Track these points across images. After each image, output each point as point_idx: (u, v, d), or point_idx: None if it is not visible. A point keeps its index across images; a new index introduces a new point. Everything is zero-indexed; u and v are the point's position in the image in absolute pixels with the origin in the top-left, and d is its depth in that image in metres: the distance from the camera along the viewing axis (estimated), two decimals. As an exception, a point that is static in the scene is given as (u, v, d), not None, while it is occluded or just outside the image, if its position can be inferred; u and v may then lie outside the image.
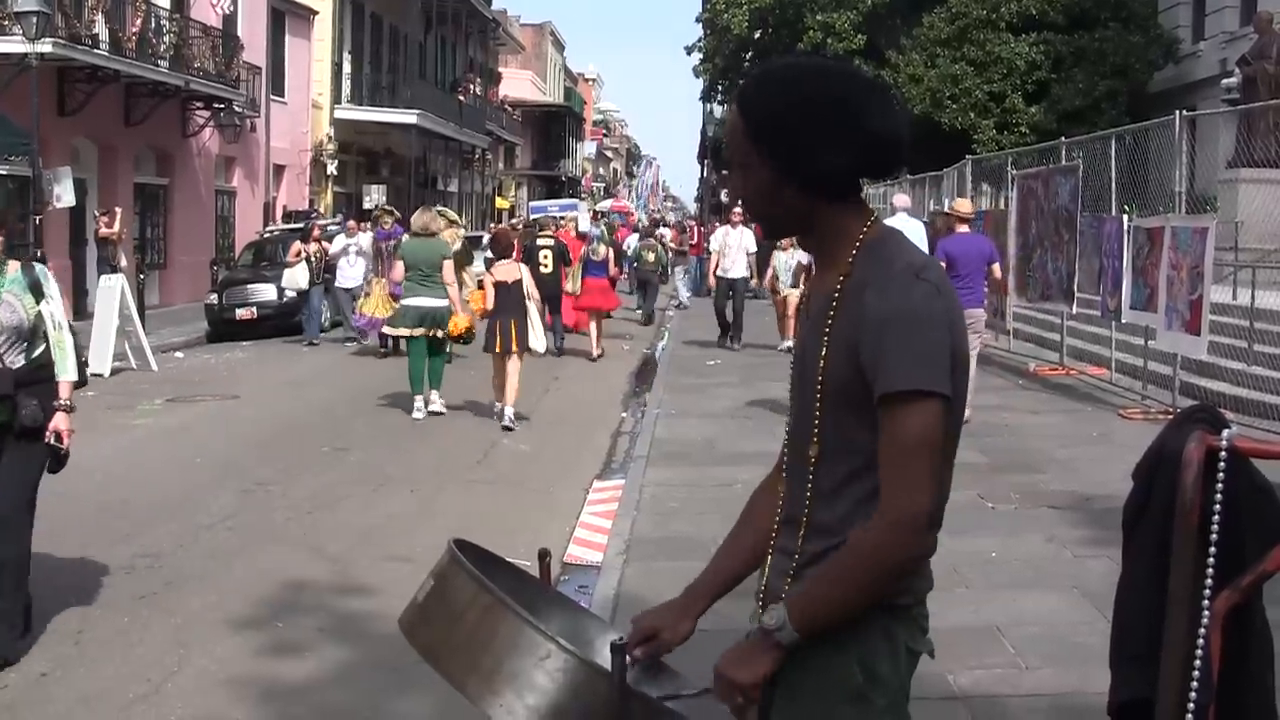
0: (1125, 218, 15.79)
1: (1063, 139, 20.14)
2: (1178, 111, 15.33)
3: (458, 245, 19.00)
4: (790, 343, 18.65)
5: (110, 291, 19.77)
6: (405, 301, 15.77)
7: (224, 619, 7.69)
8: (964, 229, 14.69)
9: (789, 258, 20.96)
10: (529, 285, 15.17)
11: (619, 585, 8.03)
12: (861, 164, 2.77)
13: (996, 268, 14.84)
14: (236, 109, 33.46)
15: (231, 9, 32.99)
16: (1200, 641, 2.62)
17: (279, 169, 38.85)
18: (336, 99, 43.41)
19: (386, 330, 18.53)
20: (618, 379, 19.72)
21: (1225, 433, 2.65)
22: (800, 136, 2.69)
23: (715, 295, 22.79)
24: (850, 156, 2.73)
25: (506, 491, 11.58)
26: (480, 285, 15.49)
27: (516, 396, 14.85)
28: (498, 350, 14.76)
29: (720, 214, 57.56)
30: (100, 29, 26.05)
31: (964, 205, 15.67)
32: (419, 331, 15.38)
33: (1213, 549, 2.61)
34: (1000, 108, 37.63)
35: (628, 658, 2.89)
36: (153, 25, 28.67)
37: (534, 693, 2.61)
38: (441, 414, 15.42)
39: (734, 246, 22.53)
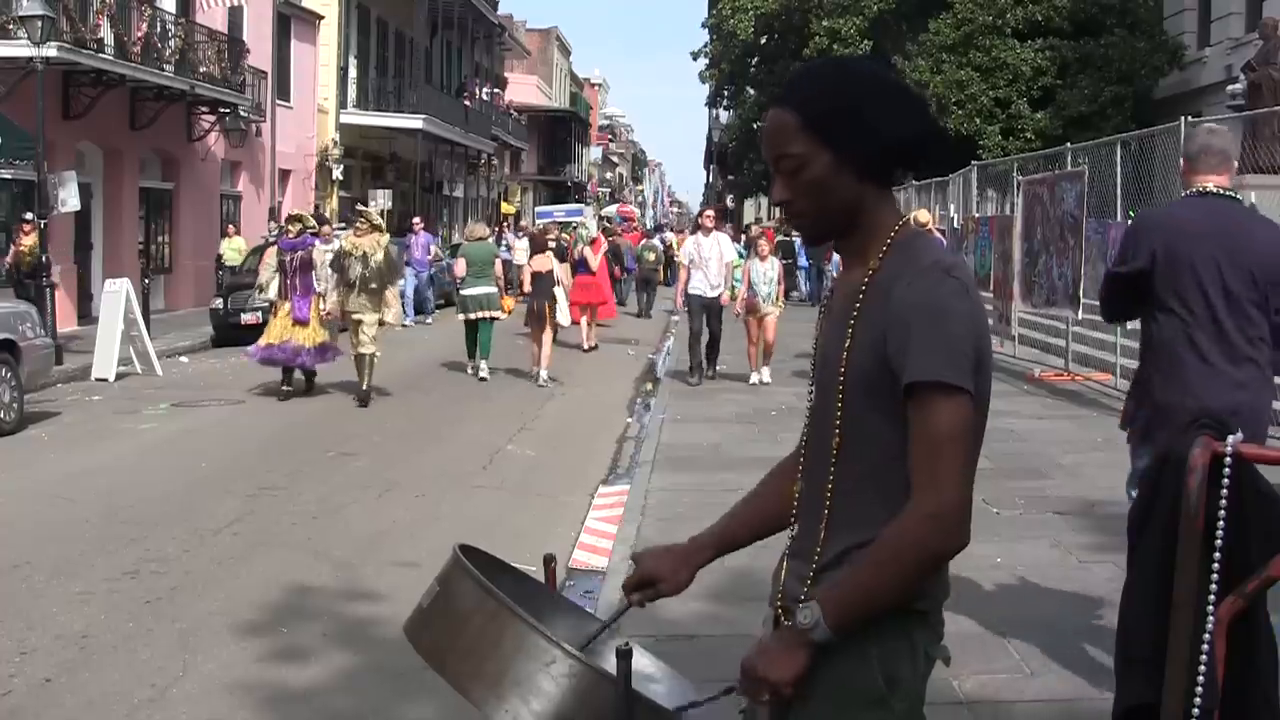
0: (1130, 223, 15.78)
1: (1068, 145, 20.16)
2: (1183, 117, 15.34)
3: (379, 256, 16.96)
4: (766, 375, 18.18)
5: (115, 296, 19.80)
6: (465, 292, 19.88)
7: (229, 624, 7.69)
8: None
9: (768, 269, 18.12)
10: (559, 274, 19.95)
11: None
12: (911, 149, 2.82)
13: None
14: (242, 113, 33.44)
15: (234, 3, 32.76)
16: (1205, 647, 2.62)
17: (284, 174, 38.87)
18: (342, 104, 43.46)
19: (460, 316, 20.37)
20: (623, 384, 19.73)
21: (1230, 439, 2.66)
22: (859, 117, 2.72)
23: (690, 319, 18.87)
24: (903, 137, 2.77)
25: (512, 497, 11.59)
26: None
27: (549, 362, 19.27)
28: (536, 323, 19.22)
29: (727, 218, 57.67)
30: (105, 33, 26.05)
31: (924, 216, 19.82)
32: (480, 315, 19.56)
33: (1217, 554, 2.62)
34: (1006, 113, 37.68)
35: (627, 601, 3.00)
36: (158, 29, 28.69)
37: (540, 698, 2.60)
38: (486, 379, 19.36)
39: (710, 258, 18.59)
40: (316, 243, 17.72)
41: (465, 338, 20.15)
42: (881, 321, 2.68)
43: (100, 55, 25.66)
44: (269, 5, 36.85)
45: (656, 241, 41.37)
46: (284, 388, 17.44)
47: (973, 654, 6.54)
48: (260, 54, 35.17)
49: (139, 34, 27.58)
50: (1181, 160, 6.34)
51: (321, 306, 17.21)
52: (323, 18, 41.64)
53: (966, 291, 2.68)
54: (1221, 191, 5.90)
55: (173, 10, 30.36)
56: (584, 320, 24.76)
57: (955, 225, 24.41)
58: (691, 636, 6.89)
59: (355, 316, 16.94)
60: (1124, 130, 28.97)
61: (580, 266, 25.80)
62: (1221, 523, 2.62)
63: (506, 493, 11.75)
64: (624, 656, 2.62)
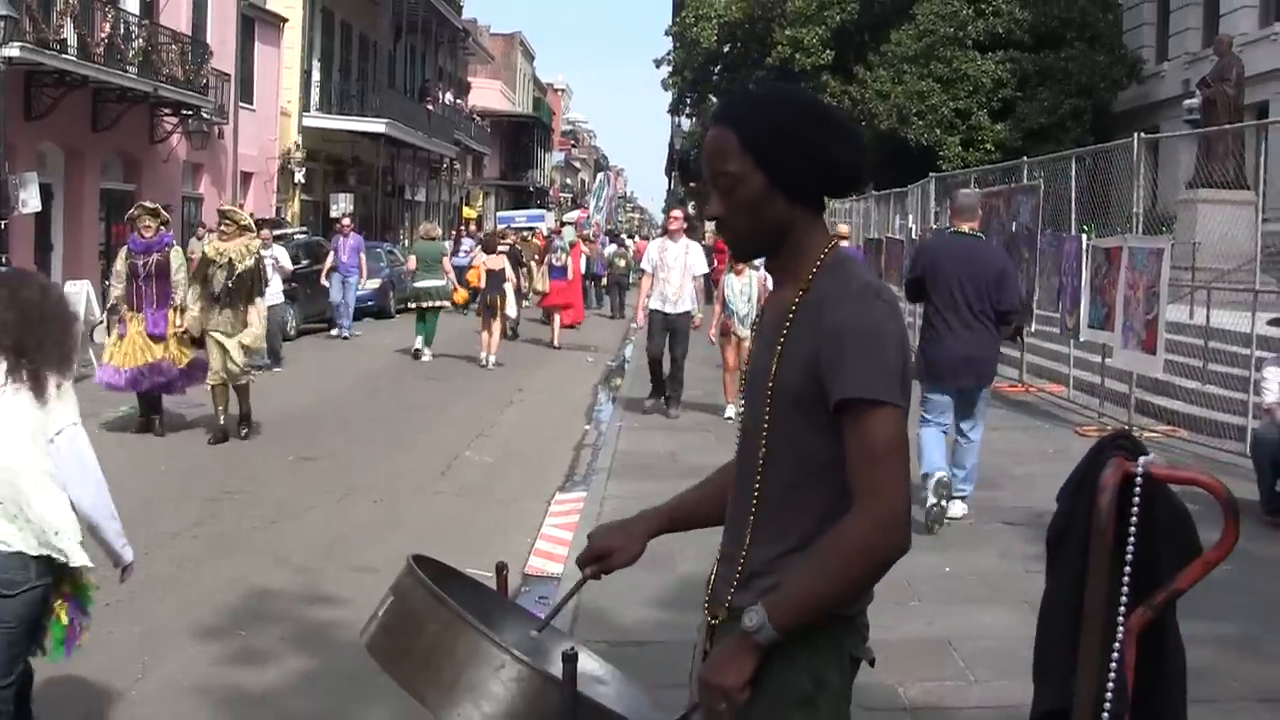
0: (1084, 237, 15.98)
1: (1024, 158, 20.35)
2: (1136, 134, 15.54)
3: (247, 263, 14.22)
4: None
5: (76, 298, 19.76)
6: (417, 284, 23.62)
7: (188, 627, 7.75)
8: (845, 243, 19.63)
9: (745, 285, 15.35)
10: (509, 272, 23.23)
11: (577, 597, 8.13)
12: (840, 175, 2.96)
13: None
14: (205, 115, 33.37)
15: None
16: (1115, 655, 2.77)
17: (246, 176, 38.75)
18: (305, 107, 43.40)
19: (412, 305, 23.88)
20: (581, 392, 19.83)
21: (1141, 459, 2.82)
22: (794, 143, 2.87)
23: (649, 336, 16.56)
24: (833, 164, 2.93)
25: (470, 503, 11.68)
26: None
27: (498, 347, 22.22)
28: (486, 313, 22.27)
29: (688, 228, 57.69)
30: (69, 34, 25.96)
31: (844, 228, 22.43)
32: (428, 304, 23.20)
33: (1128, 568, 2.78)
34: (966, 124, 37.92)
35: (583, 574, 3.25)
36: (121, 31, 28.59)
37: (490, 701, 2.73)
38: (428, 359, 22.75)
39: (675, 268, 16.00)
40: (174, 244, 15.02)
41: (415, 324, 23.48)
42: (813, 340, 2.81)
43: (63, 56, 25.58)
44: (233, 7, 36.78)
45: (628, 248, 42.34)
46: (154, 416, 14.85)
47: (918, 662, 6.70)
48: (224, 56, 35.05)
49: (102, 35, 27.46)
50: (950, 211, 11.46)
51: (177, 322, 14.34)
52: (286, 20, 41.60)
53: (893, 312, 2.84)
54: (969, 231, 10.48)
55: (136, 12, 30.27)
56: (555, 320, 27.11)
57: (914, 235, 24.58)
58: (642, 643, 7.02)
59: (218, 336, 14.13)
60: (1083, 142, 29.28)
61: (558, 272, 28.18)
62: (1132, 538, 2.78)
63: (465, 498, 11.85)
64: (569, 660, 2.75)
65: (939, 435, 10.20)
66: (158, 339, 14.31)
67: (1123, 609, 2.78)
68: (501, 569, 3.44)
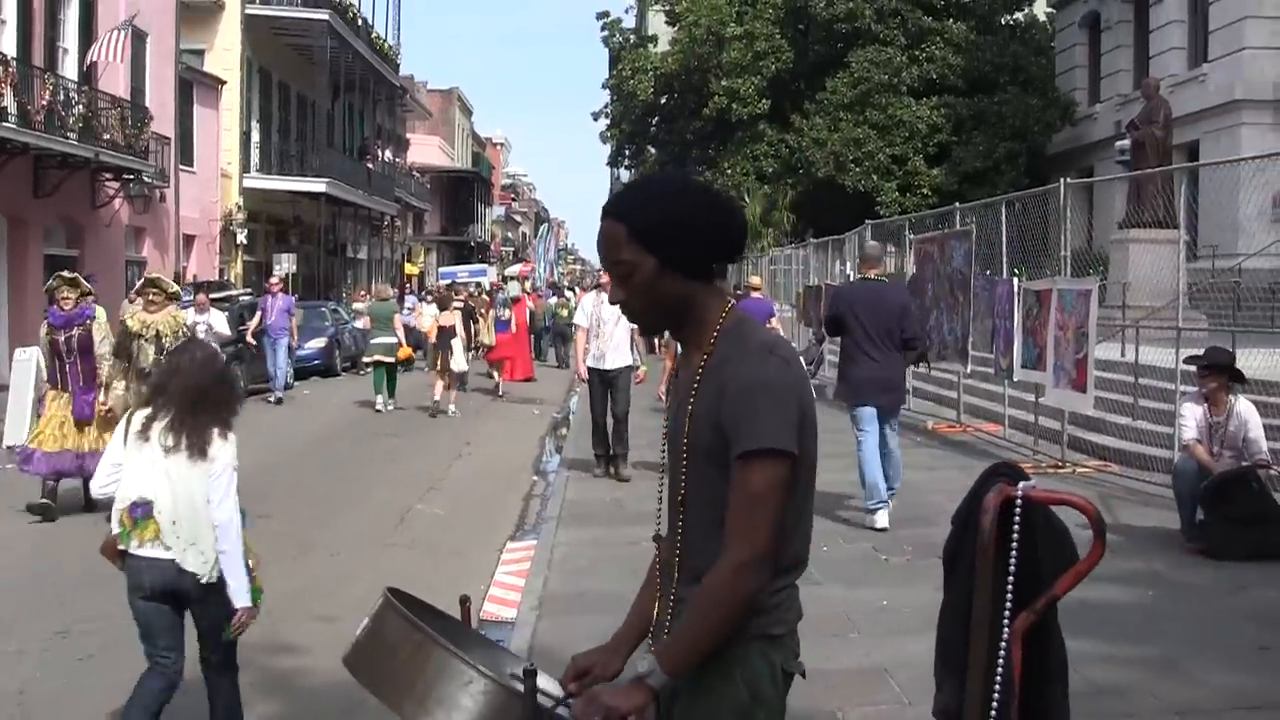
0: (1016, 280, 16.41)
1: (957, 205, 20.79)
2: (1062, 179, 16.01)
3: (172, 339, 13.04)
4: None
5: (25, 365, 19.81)
6: (373, 340, 24.93)
7: (157, 679, 7.97)
8: (756, 294, 22.12)
9: None
10: (459, 328, 25.05)
11: (533, 639, 8.44)
12: (723, 247, 3.31)
13: (774, 320, 22.11)
14: (146, 179, 33.52)
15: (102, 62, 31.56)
16: (1002, 654, 3.17)
17: (189, 239, 38.94)
18: (245, 168, 43.62)
19: (366, 359, 25.50)
20: (528, 443, 20.13)
21: (1021, 484, 3.23)
22: (678, 225, 3.22)
23: (591, 396, 16.08)
24: (715, 238, 3.27)
25: (424, 554, 11.95)
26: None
27: (454, 396, 24.02)
28: (437, 367, 24.09)
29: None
30: (8, 101, 26.12)
31: (756, 280, 23.29)
32: (381, 359, 24.33)
33: (1011, 579, 3.18)
34: (902, 170, 38.53)
35: (564, 692, 3.50)
36: (61, 98, 28.79)
37: (460, 713, 3.09)
38: (382, 411, 23.88)
39: (610, 321, 15.47)
40: (98, 316, 13.84)
41: (374, 378, 24.80)
42: (717, 398, 3.17)
43: (3, 125, 25.75)
44: (171, 71, 37.02)
45: (569, 298, 42.78)
46: (43, 500, 13.32)
47: (857, 689, 7.06)
48: (163, 119, 35.19)
49: (42, 102, 27.65)
50: (859, 260, 14.71)
51: (103, 399, 13.34)
52: (225, 82, 41.85)
53: (788, 365, 3.20)
54: (875, 277, 12.52)
55: (75, 79, 30.44)
56: (498, 371, 28.77)
57: (851, 281, 25.01)
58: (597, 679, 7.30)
59: None
60: (1018, 185, 29.87)
61: (502, 325, 29.58)
62: (1014, 553, 3.18)
63: (419, 550, 12.12)
64: (529, 675, 3.14)
65: (875, 448, 11.92)
66: (84, 423, 13.39)
67: (1007, 614, 3.18)
68: (465, 602, 3.80)
